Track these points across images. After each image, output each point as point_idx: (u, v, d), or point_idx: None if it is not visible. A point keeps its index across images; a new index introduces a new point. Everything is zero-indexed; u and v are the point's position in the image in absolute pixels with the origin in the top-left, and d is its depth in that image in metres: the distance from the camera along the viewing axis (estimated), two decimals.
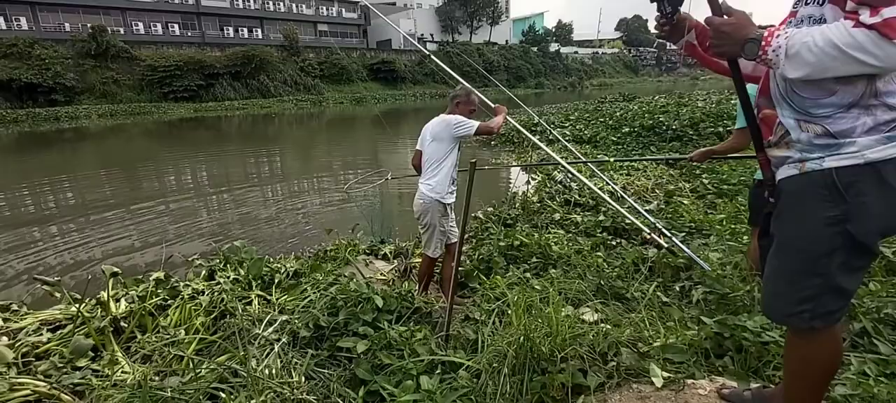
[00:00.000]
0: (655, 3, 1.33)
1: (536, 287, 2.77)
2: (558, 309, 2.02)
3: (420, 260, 3.58)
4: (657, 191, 5.08)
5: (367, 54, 46.73)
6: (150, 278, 2.97)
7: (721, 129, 8.20)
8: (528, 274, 3.04)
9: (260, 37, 42.49)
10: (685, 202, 4.49)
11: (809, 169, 1.11)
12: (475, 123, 2.88)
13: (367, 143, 15.26)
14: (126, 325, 2.54)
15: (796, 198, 1.14)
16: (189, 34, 39.15)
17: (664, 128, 8.74)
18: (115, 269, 2.64)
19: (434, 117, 3.03)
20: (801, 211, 1.13)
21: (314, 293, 2.77)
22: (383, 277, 3.38)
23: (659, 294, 2.53)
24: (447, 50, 44.68)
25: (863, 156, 1.05)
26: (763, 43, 1.08)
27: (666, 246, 3.02)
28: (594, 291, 2.73)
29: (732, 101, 12.08)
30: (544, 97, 34.43)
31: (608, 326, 2.00)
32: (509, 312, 2.11)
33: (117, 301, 2.77)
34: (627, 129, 9.16)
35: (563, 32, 76.89)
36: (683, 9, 1.38)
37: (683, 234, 3.63)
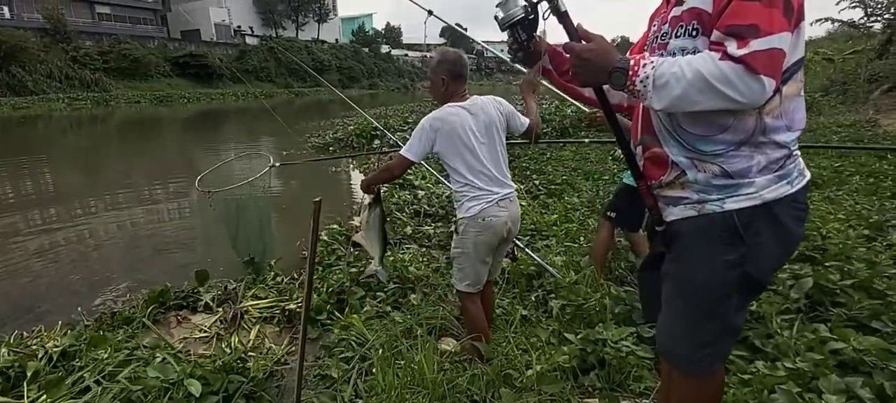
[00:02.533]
0: (507, 31, 1.21)
1: (398, 320, 2.51)
2: (430, 357, 1.78)
3: (254, 302, 2.96)
4: None
5: (170, 46, 39.88)
6: None
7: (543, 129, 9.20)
8: (387, 306, 2.74)
9: (8, 17, 32.39)
10: (523, 204, 4.79)
11: (709, 210, 1.07)
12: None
13: (179, 152, 12.78)
14: None
15: (695, 241, 1.10)
16: None
17: None
18: None
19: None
20: (702, 255, 1.09)
21: (95, 383, 1.98)
22: (205, 334, 2.67)
23: (519, 308, 2.52)
24: (271, 45, 41.21)
25: (760, 197, 1.03)
26: (630, 73, 1.01)
27: (519, 255, 3.07)
28: (458, 315, 2.59)
29: (544, 105, 13.81)
30: (379, 98, 34.40)
31: (481, 367, 1.84)
32: (374, 371, 1.78)
33: None
34: None
35: (392, 35, 78.47)
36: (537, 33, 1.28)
37: (527, 238, 3.81)
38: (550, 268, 2.76)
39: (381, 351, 1.85)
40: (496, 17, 1.21)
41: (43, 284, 3.92)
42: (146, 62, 35.13)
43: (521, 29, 1.20)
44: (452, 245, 2.09)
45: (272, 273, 3.36)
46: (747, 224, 1.04)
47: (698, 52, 1.00)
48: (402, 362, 1.86)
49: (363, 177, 2.15)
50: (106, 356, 2.25)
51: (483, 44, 4.57)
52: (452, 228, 2.10)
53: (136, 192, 7.45)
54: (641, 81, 0.99)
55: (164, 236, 5.17)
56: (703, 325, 1.11)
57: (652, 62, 0.99)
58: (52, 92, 28.58)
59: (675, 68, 0.96)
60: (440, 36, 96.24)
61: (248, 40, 46.44)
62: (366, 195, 2.10)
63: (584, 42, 1.07)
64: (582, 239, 3.37)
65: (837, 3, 13.58)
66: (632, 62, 1.01)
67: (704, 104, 0.95)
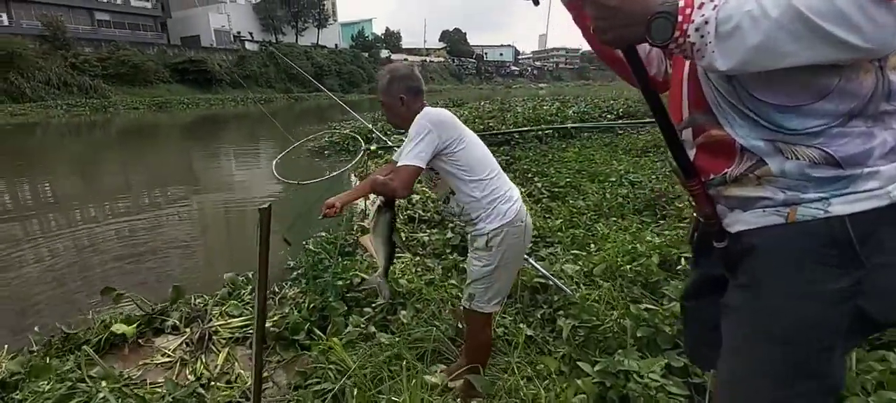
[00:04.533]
0: None
1: (384, 342, 2.20)
2: (417, 395, 1.47)
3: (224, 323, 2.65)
4: None
5: (169, 52, 39.79)
6: None
7: (540, 133, 8.95)
8: (372, 325, 2.43)
9: (6, 23, 32.34)
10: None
11: (804, 216, 0.74)
12: None
13: (179, 157, 12.50)
14: None
15: (782, 262, 0.76)
16: None
17: (493, 132, 9.15)
18: None
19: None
20: (793, 283, 0.75)
21: None
22: (168, 359, 2.36)
23: (523, 327, 2.21)
24: (270, 50, 41.12)
25: (888, 195, 0.70)
26: (680, 18, 0.68)
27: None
28: (453, 336, 2.28)
29: (545, 107, 13.52)
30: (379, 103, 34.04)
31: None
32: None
33: None
34: None
35: (392, 40, 78.54)
36: None
37: (530, 246, 3.49)
38: (558, 282, 2.45)
39: (356, 392, 1.54)
40: None
41: (36, 295, 3.63)
42: (145, 68, 35.06)
43: None
44: (478, 263, 1.70)
45: (249, 286, 3.05)
46: (866, 235, 0.71)
47: None
48: (384, 400, 1.55)
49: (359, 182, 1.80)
50: (47, 387, 1.96)
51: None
52: (477, 244, 1.69)
53: (127, 200, 7.15)
54: (696, 30, 0.67)
55: (148, 246, 4.86)
56: (791, 385, 0.78)
57: (712, 0, 0.67)
58: (50, 98, 28.45)
59: (751, 5, 0.64)
60: (440, 40, 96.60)
61: (248, 46, 46.39)
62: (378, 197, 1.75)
63: None
64: (592, 246, 3.05)
65: None
66: (681, 3, 0.69)
67: (799, 56, 0.63)
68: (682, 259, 2.49)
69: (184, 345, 2.45)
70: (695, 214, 0.97)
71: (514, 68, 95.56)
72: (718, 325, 0.89)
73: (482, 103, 17.60)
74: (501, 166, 1.82)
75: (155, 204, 6.92)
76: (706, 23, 0.67)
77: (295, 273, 3.43)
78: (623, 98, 14.97)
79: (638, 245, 2.70)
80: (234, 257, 4.65)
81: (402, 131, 1.80)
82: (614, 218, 3.88)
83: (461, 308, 1.81)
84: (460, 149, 1.63)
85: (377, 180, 1.62)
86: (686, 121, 0.85)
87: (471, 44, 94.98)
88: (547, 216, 4.30)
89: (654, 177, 4.97)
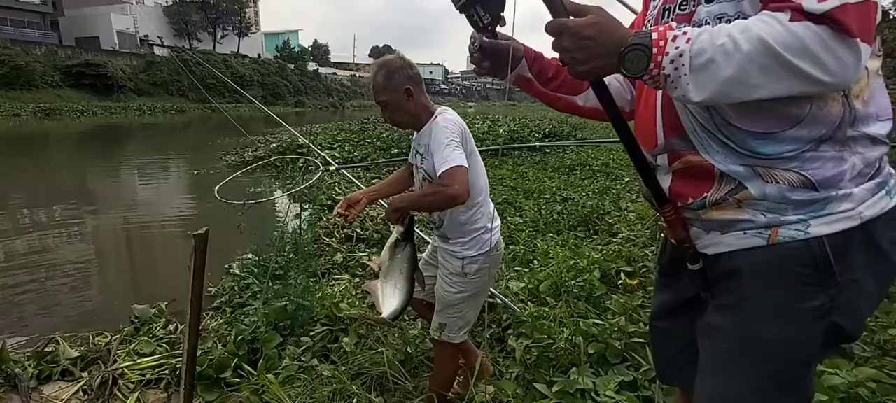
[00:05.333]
0: (465, 15, 0.88)
1: (326, 374, 2.02)
2: None
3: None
4: None
5: (61, 53, 35.39)
6: None
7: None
8: (313, 357, 2.23)
9: None
10: None
11: (785, 238, 0.76)
12: None
13: (69, 173, 10.93)
14: None
15: (766, 283, 0.78)
16: None
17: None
18: None
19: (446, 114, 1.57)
20: (776, 302, 0.77)
21: None
22: None
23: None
24: (184, 57, 38.18)
25: (860, 215, 0.74)
26: (655, 50, 0.69)
27: None
28: (401, 360, 2.16)
29: (477, 124, 13.85)
30: (306, 116, 32.86)
31: None
32: None
33: None
34: (396, 151, 9.22)
35: (319, 53, 76.64)
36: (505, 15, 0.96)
37: None
38: (506, 300, 2.43)
39: None
40: None
41: None
42: (29, 70, 30.81)
43: (481, 6, 0.86)
44: (451, 289, 1.59)
45: (163, 320, 2.69)
46: (840, 254, 0.74)
47: (744, 17, 0.70)
48: None
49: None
50: None
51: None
52: (451, 268, 1.59)
53: (11, 221, 6.09)
54: (671, 62, 0.68)
55: (30, 275, 4.14)
56: (777, 398, 0.80)
57: (684, 33, 0.69)
58: None
59: (723, 39, 0.66)
60: (369, 55, 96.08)
61: (157, 51, 42.62)
62: (395, 226, 1.49)
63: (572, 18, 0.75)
64: (534, 262, 3.09)
65: None
66: (655, 36, 0.70)
67: (768, 89, 0.65)
68: (621, 273, 2.60)
69: (80, 393, 2.07)
70: (663, 236, 0.98)
71: (443, 86, 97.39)
72: (692, 343, 0.91)
73: None
74: None
75: (38, 224, 5.98)
76: (680, 55, 0.68)
77: (217, 301, 3.10)
78: (548, 119, 15.82)
79: (579, 260, 2.78)
80: (140, 286, 4.12)
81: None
82: (551, 234, 4.00)
83: (433, 336, 1.69)
84: (475, 160, 1.54)
85: (419, 196, 1.49)
86: (662, 147, 0.86)
87: (470, 66, 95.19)
88: None
89: (584, 193, 5.23)
